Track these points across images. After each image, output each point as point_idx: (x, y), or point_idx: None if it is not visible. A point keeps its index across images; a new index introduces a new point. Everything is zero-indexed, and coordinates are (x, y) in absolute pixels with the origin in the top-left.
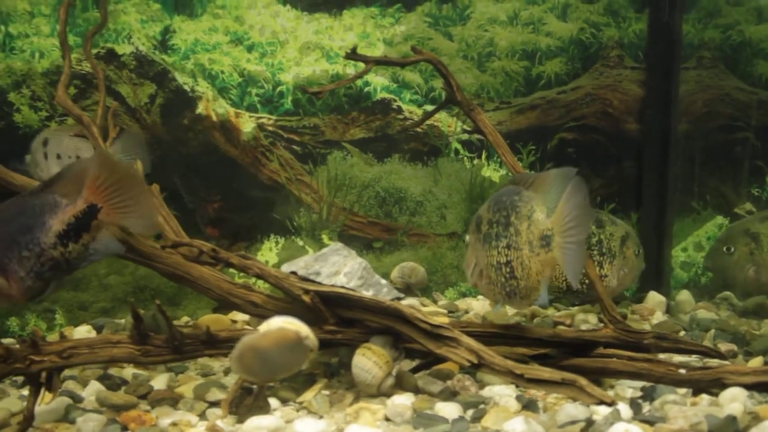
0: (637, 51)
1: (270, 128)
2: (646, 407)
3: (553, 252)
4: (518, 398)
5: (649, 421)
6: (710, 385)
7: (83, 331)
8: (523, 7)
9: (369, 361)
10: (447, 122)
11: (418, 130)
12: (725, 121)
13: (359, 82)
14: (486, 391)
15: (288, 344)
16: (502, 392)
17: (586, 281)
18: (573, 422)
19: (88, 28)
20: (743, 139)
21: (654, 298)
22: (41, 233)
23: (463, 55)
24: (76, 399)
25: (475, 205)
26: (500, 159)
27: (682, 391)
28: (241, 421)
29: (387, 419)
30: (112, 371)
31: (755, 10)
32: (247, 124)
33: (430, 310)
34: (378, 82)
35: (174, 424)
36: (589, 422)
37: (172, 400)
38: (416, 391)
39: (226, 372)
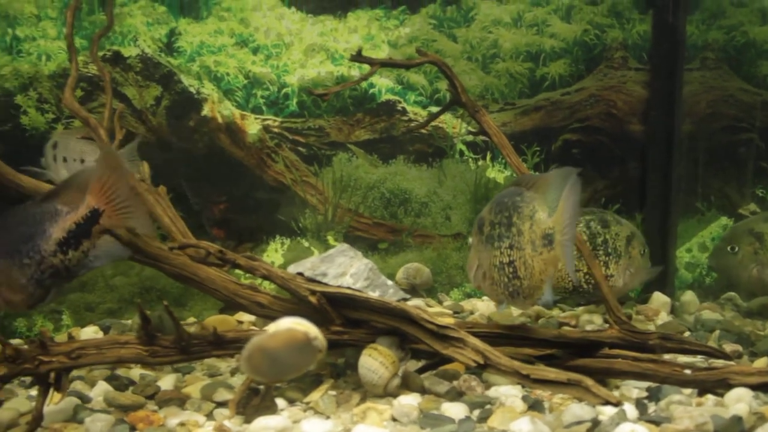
0: (641, 52)
1: (275, 130)
2: (651, 407)
3: (555, 250)
4: (524, 398)
5: (655, 422)
6: (716, 385)
7: (90, 332)
8: (527, 9)
9: (375, 361)
10: (452, 124)
11: (423, 131)
12: (729, 122)
13: (364, 84)
14: (492, 392)
15: (297, 345)
16: (508, 393)
17: (592, 282)
18: (579, 422)
19: (94, 30)
20: (747, 140)
21: (658, 298)
22: (42, 241)
23: (467, 57)
24: (84, 399)
25: (480, 206)
26: (505, 160)
27: (688, 391)
28: (248, 421)
29: (394, 419)
30: (120, 372)
31: (759, 12)
32: (252, 126)
33: (436, 311)
34: (383, 83)
35: (182, 424)
36: (595, 422)
37: (179, 400)
38: (422, 391)
39: (233, 372)
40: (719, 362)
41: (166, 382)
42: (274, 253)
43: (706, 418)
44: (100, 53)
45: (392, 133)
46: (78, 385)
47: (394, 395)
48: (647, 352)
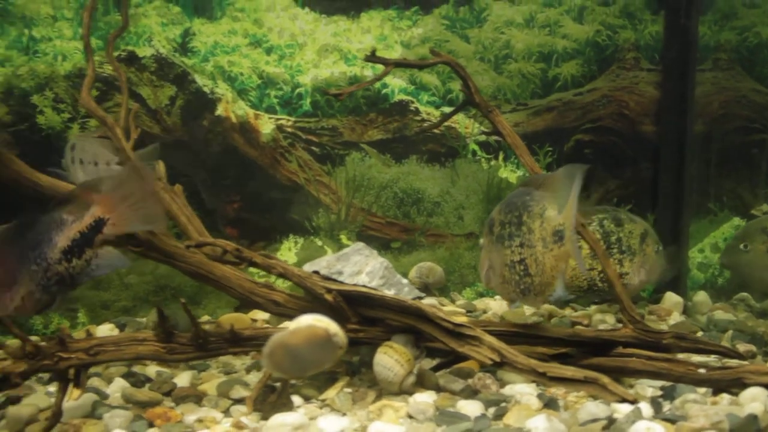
0: (653, 53)
1: (289, 129)
2: (666, 406)
3: (566, 246)
4: (539, 396)
5: (671, 420)
6: (730, 384)
7: (106, 330)
8: (539, 10)
9: (391, 359)
10: (464, 124)
11: (436, 131)
12: (741, 122)
13: (377, 84)
14: (507, 390)
15: (317, 341)
16: (523, 390)
17: (607, 280)
18: (594, 420)
19: (109, 31)
20: (760, 141)
21: (671, 298)
22: (48, 249)
23: (479, 58)
24: (102, 396)
25: (492, 206)
26: (517, 160)
27: (702, 390)
28: (265, 418)
29: (410, 417)
30: (136, 369)
31: None
32: (266, 126)
33: (449, 310)
34: (396, 84)
35: (200, 421)
36: (611, 420)
37: (195, 397)
38: (437, 389)
39: (248, 370)
40: (733, 362)
41: (182, 379)
42: (287, 252)
43: (722, 416)
44: (115, 53)
45: (405, 132)
46: (95, 382)
47: (409, 393)
48: (661, 351)
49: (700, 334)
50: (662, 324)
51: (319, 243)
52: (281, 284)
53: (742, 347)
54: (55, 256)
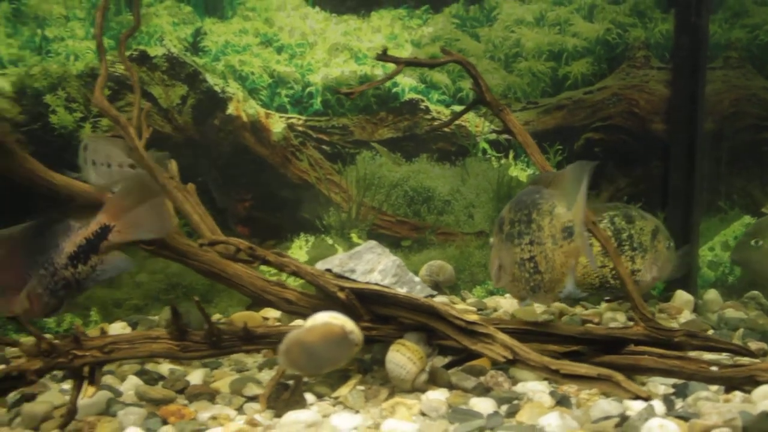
0: (664, 51)
1: (299, 128)
2: (678, 404)
3: (575, 241)
4: (551, 394)
5: (684, 417)
6: (743, 382)
7: (118, 328)
8: (549, 8)
9: (403, 356)
10: (474, 122)
11: (446, 130)
12: (752, 120)
13: (388, 83)
14: (519, 387)
15: (333, 338)
16: (535, 388)
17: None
18: (607, 418)
19: (121, 31)
20: None
21: (681, 297)
22: (55, 254)
23: (490, 56)
24: (115, 393)
25: (503, 204)
26: (527, 158)
27: (714, 388)
28: (278, 415)
29: (423, 414)
30: (149, 366)
31: None
32: (277, 125)
33: (461, 308)
34: (406, 82)
35: (213, 418)
36: (623, 418)
37: (208, 395)
38: (450, 386)
39: (260, 368)
40: (745, 360)
41: (195, 377)
42: (298, 251)
43: (735, 414)
44: (127, 53)
45: (415, 131)
46: (108, 380)
47: (422, 390)
48: (673, 349)
49: (710, 332)
50: (673, 322)
51: (330, 241)
52: (292, 282)
53: (753, 345)
54: (61, 262)
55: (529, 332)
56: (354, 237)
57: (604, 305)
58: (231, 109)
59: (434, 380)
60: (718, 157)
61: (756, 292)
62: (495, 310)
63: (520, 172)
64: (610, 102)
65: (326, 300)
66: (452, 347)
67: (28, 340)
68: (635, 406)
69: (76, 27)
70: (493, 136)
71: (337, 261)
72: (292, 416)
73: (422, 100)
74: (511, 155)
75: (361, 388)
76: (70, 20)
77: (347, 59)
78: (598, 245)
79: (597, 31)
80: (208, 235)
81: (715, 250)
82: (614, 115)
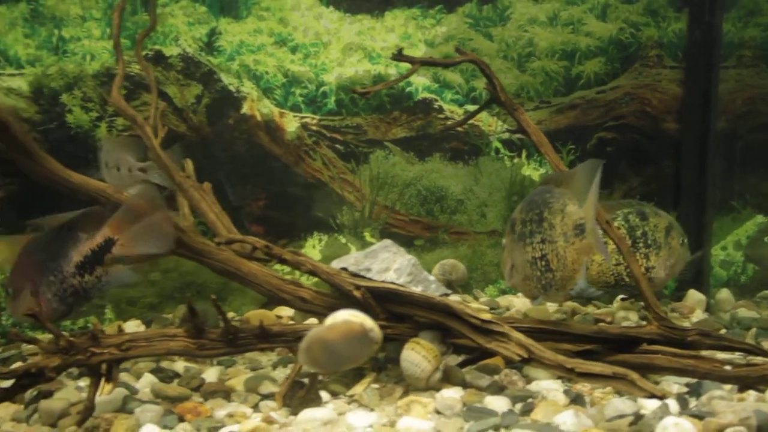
0: (677, 50)
1: (313, 128)
2: (692, 402)
3: (587, 238)
4: (566, 392)
5: (698, 416)
6: (757, 381)
7: (133, 326)
8: (562, 8)
9: (418, 355)
10: (487, 122)
11: (459, 129)
12: (765, 119)
13: (402, 83)
14: (533, 386)
15: (354, 336)
16: (549, 387)
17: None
18: (621, 416)
19: (137, 30)
20: None
21: (694, 296)
22: (64, 262)
23: (503, 56)
24: (131, 391)
25: (515, 204)
26: (540, 158)
27: (728, 387)
28: (294, 413)
29: (438, 412)
30: (164, 364)
31: None
32: (291, 124)
33: (474, 307)
34: (419, 82)
35: (230, 416)
36: (638, 416)
37: (224, 392)
38: (464, 385)
39: (274, 366)
40: (758, 359)
41: (210, 374)
42: (311, 249)
43: (749, 412)
44: (143, 53)
45: (429, 130)
46: (124, 377)
47: (436, 389)
48: (686, 348)
49: (723, 331)
50: (685, 321)
51: (343, 240)
52: (306, 281)
53: (766, 344)
54: (70, 270)
55: (542, 331)
56: (367, 236)
57: (616, 304)
58: (245, 109)
59: (448, 379)
60: (731, 156)
61: None
62: (508, 309)
63: (532, 171)
64: (622, 101)
65: (341, 298)
66: (465, 346)
67: (45, 337)
68: (649, 405)
69: (92, 27)
70: (506, 135)
71: (353, 260)
72: (308, 414)
73: (436, 100)
74: (524, 154)
75: (376, 386)
76: (87, 20)
77: (361, 59)
78: (612, 245)
79: (610, 31)
80: (225, 234)
81: (727, 250)
82: (627, 114)
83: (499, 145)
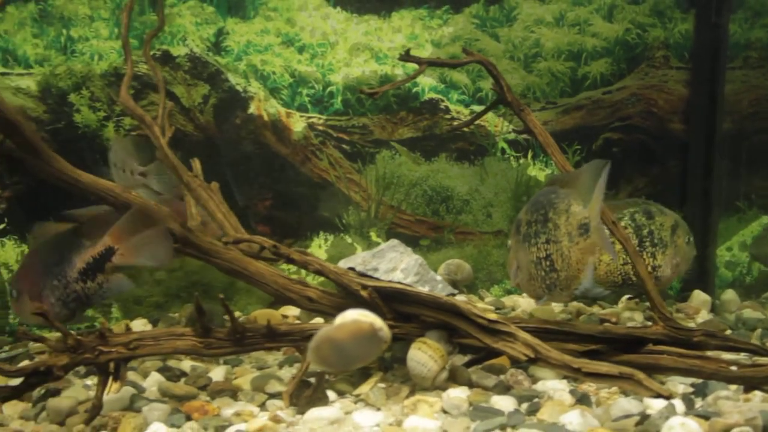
0: (683, 51)
1: (320, 128)
2: (698, 403)
3: (592, 237)
4: (571, 392)
5: (704, 416)
6: (763, 381)
7: (140, 325)
8: (569, 9)
9: (425, 354)
10: (494, 122)
11: (465, 129)
12: None
13: (408, 83)
14: (539, 386)
15: (363, 336)
16: (555, 387)
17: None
18: (627, 416)
19: (145, 30)
20: None
21: (699, 297)
22: (68, 268)
23: (509, 56)
24: (139, 389)
25: (521, 204)
26: (546, 158)
27: (734, 387)
28: (301, 412)
29: (444, 411)
30: (171, 363)
31: None
32: (297, 124)
33: (481, 307)
34: (426, 82)
35: (237, 415)
36: (644, 416)
37: (231, 391)
38: (470, 384)
39: (281, 365)
40: (764, 359)
41: (217, 374)
42: (317, 249)
43: (755, 413)
44: (150, 52)
45: (435, 131)
46: (131, 376)
47: (443, 388)
48: (692, 348)
49: (728, 332)
50: (690, 322)
51: (349, 240)
52: (311, 280)
53: None
54: (73, 275)
55: (548, 331)
56: (373, 236)
57: (621, 305)
58: (252, 109)
59: (455, 378)
60: (737, 157)
61: None
62: (513, 309)
63: (538, 171)
64: (629, 102)
65: (348, 298)
66: (471, 345)
67: (52, 336)
68: (655, 405)
69: (100, 27)
70: (512, 135)
71: (360, 259)
72: (315, 413)
73: (442, 100)
74: (529, 155)
75: (382, 385)
76: (95, 20)
77: (368, 59)
78: (618, 245)
79: (616, 32)
80: (232, 234)
81: (732, 250)
82: (633, 115)
83: (505, 146)
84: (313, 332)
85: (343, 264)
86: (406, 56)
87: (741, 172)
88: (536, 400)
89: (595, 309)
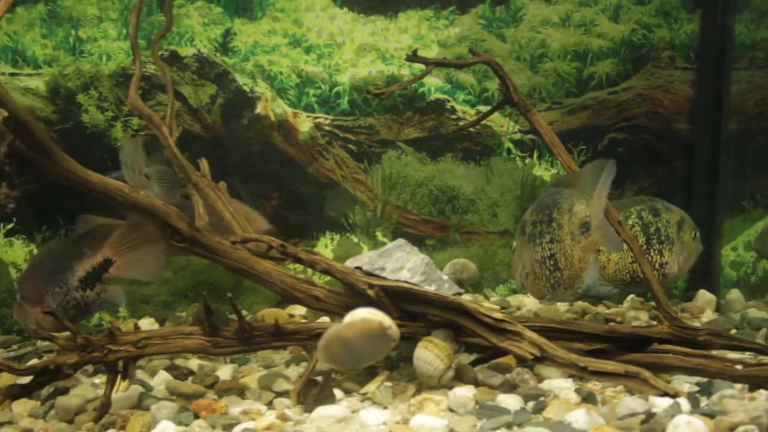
0: (689, 52)
1: (327, 128)
2: (703, 401)
3: (592, 235)
4: (577, 391)
5: (710, 414)
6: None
7: (147, 324)
8: (575, 9)
9: (431, 353)
10: (499, 122)
11: (471, 129)
12: None
13: (414, 84)
14: (545, 384)
15: (372, 334)
16: (561, 385)
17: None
18: (633, 414)
19: (153, 31)
20: None
21: (704, 296)
22: (69, 275)
23: (515, 57)
24: (146, 388)
25: (526, 204)
26: (551, 158)
27: (739, 386)
28: (308, 410)
29: (450, 410)
30: (178, 361)
31: None
32: (304, 124)
33: (486, 306)
34: (432, 82)
35: (245, 413)
36: (649, 415)
37: (238, 390)
38: (476, 383)
39: (287, 364)
40: None
41: (224, 372)
42: (323, 249)
43: (761, 411)
44: (158, 53)
45: (441, 131)
46: (139, 374)
47: (449, 387)
48: (697, 347)
49: (733, 331)
50: (695, 321)
51: (355, 240)
52: (318, 280)
53: None
54: (73, 283)
55: (553, 330)
56: (379, 235)
57: (626, 304)
58: (259, 109)
59: (461, 377)
60: (742, 157)
61: None
62: (518, 308)
63: (544, 171)
64: (634, 102)
65: (354, 297)
66: (477, 345)
67: (60, 335)
68: (660, 404)
69: (108, 28)
70: (518, 135)
71: (367, 259)
72: (322, 411)
73: (448, 100)
74: (535, 155)
75: (389, 384)
76: (103, 21)
77: (374, 59)
78: (624, 246)
79: (622, 32)
80: (240, 233)
81: (737, 250)
82: (639, 115)
83: (511, 146)
84: (320, 331)
85: (350, 263)
86: (413, 57)
87: (746, 173)
88: (542, 398)
89: (600, 308)
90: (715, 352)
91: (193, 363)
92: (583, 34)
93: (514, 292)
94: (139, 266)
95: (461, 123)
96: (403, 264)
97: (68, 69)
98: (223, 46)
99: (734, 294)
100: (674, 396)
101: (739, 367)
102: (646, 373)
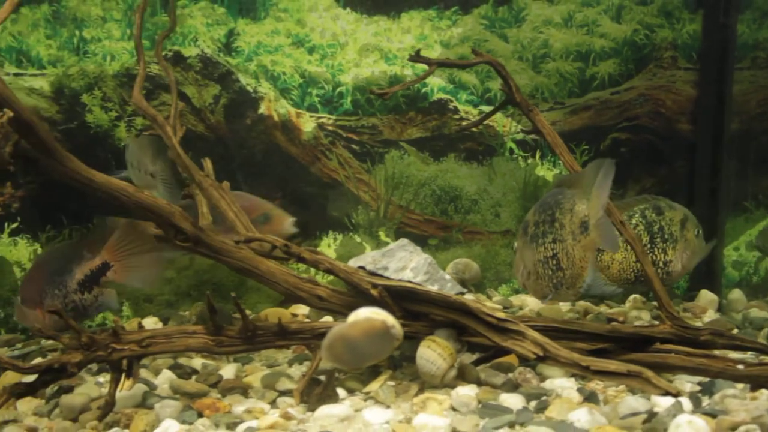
0: (691, 52)
1: (330, 128)
2: (705, 401)
3: (591, 234)
4: (579, 390)
5: (711, 414)
6: None
7: (150, 323)
8: (577, 9)
9: (434, 353)
10: (502, 122)
11: (474, 129)
12: None
13: (417, 84)
14: (547, 384)
15: (376, 333)
16: (563, 385)
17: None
18: (635, 414)
19: (156, 31)
20: None
21: (706, 296)
22: (69, 278)
23: (518, 57)
24: (150, 386)
25: (529, 204)
26: (554, 158)
27: (740, 386)
28: (312, 409)
29: (453, 409)
30: (182, 360)
31: None
32: (307, 124)
33: (489, 306)
34: (435, 83)
35: (248, 412)
36: (651, 414)
37: (241, 389)
38: (478, 382)
39: (290, 363)
40: None
41: (227, 371)
42: (326, 248)
43: (762, 411)
44: (162, 53)
45: (444, 131)
46: (143, 373)
47: (451, 386)
48: (699, 347)
49: (735, 331)
50: (697, 321)
51: (358, 239)
52: (321, 279)
53: None
54: (72, 286)
55: (556, 330)
56: (382, 235)
57: (629, 303)
58: (263, 109)
59: (463, 376)
60: (745, 157)
61: None
62: (521, 308)
63: (546, 171)
64: (636, 102)
65: (357, 297)
66: (479, 344)
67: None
68: (662, 403)
69: (112, 28)
70: (520, 135)
71: (370, 258)
72: (325, 410)
73: (451, 101)
74: (538, 155)
75: (392, 383)
76: (107, 22)
77: (377, 60)
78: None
79: (624, 32)
80: (243, 233)
81: (739, 250)
82: (641, 115)
83: (513, 146)
84: (324, 330)
85: (353, 263)
86: (415, 57)
87: (748, 173)
88: (544, 397)
89: (603, 308)
90: (716, 352)
91: (197, 362)
92: (586, 35)
93: (517, 291)
94: (135, 273)
95: (464, 123)
96: (406, 264)
97: (72, 69)
98: (226, 46)
99: (736, 294)
100: (676, 395)
101: (740, 366)
102: (649, 373)
